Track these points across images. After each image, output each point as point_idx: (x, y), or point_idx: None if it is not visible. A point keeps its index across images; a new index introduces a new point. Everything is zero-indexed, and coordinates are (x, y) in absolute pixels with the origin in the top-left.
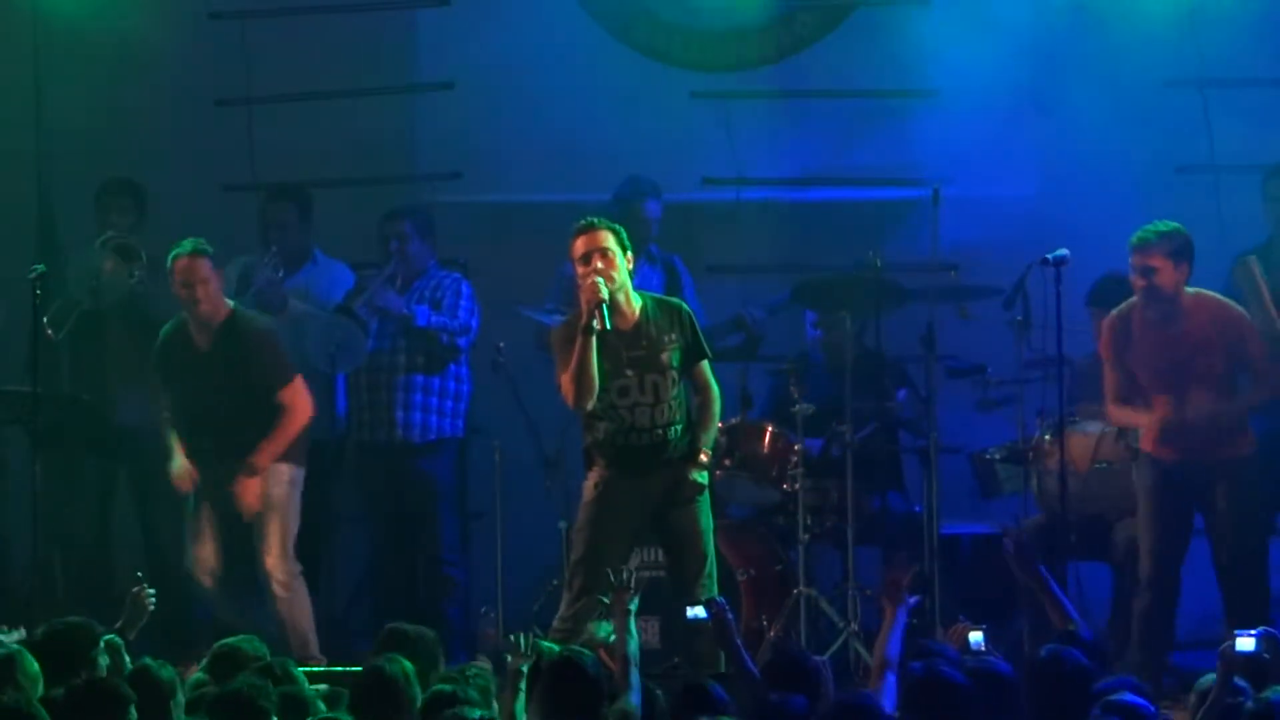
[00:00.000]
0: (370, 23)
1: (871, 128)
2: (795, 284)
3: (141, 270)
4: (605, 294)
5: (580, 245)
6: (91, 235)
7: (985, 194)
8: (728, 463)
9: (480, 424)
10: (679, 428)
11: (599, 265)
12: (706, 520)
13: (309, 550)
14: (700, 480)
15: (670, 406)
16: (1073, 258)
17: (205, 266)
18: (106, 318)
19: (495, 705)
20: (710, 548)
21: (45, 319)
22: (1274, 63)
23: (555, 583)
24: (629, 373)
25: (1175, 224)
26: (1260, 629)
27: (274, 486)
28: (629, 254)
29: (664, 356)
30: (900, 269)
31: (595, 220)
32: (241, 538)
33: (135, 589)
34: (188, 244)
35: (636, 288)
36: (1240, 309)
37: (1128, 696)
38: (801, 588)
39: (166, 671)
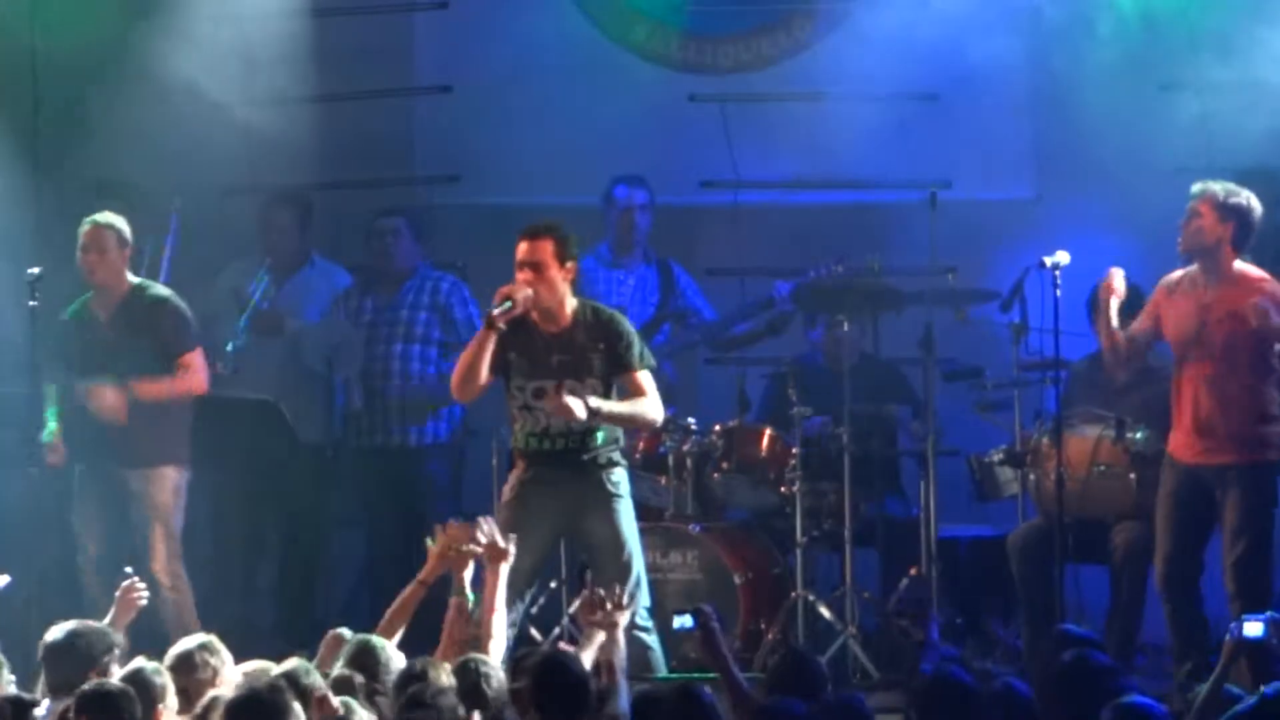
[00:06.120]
0: (368, 26)
1: (869, 131)
2: (794, 287)
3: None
4: (519, 298)
5: (521, 250)
6: None
7: (983, 197)
8: (726, 465)
9: (478, 426)
10: (600, 435)
11: (527, 277)
12: (627, 527)
13: (305, 554)
14: (574, 403)
15: None
16: (1071, 261)
17: (109, 238)
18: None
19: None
20: (634, 556)
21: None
22: (1271, 64)
23: (553, 584)
24: (548, 377)
25: (1247, 192)
26: (1268, 614)
27: (159, 493)
28: (569, 264)
29: (588, 365)
30: (898, 272)
31: (542, 228)
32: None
33: (125, 584)
34: (99, 216)
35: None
36: None
37: (1137, 699)
38: (799, 590)
39: (159, 676)
